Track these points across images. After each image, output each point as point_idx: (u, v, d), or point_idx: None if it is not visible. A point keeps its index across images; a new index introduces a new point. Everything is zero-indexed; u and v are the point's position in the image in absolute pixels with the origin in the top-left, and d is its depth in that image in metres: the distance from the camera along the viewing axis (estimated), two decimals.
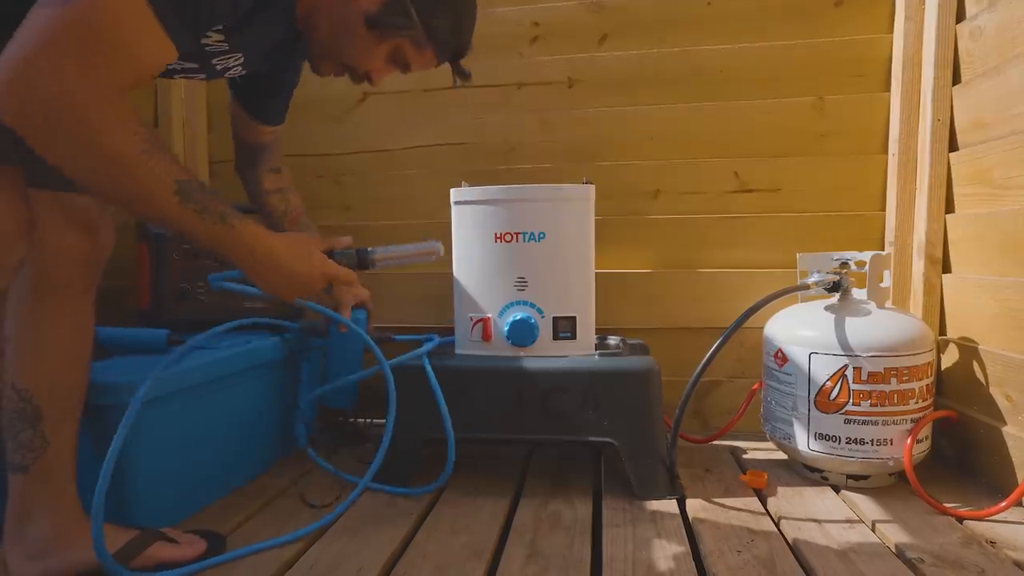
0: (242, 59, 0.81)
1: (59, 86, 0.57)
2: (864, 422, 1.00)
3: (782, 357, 1.08)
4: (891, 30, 1.29)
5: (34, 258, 0.73)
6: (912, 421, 1.01)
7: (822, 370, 1.02)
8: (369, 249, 0.93)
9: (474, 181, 1.15)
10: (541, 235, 1.09)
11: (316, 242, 0.86)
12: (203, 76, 0.83)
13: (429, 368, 1.06)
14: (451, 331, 1.17)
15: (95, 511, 0.71)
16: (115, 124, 0.61)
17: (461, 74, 0.93)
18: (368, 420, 1.36)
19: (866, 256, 1.07)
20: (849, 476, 1.04)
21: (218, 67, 0.81)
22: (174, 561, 0.79)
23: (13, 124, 0.57)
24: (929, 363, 1.02)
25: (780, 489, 1.05)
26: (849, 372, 1.00)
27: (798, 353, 1.05)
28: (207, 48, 0.74)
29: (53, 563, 0.73)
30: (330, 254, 0.87)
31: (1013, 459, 0.98)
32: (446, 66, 0.86)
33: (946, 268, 1.19)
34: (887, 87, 1.30)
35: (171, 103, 1.50)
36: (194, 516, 0.96)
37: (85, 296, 0.77)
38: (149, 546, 0.78)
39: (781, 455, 1.17)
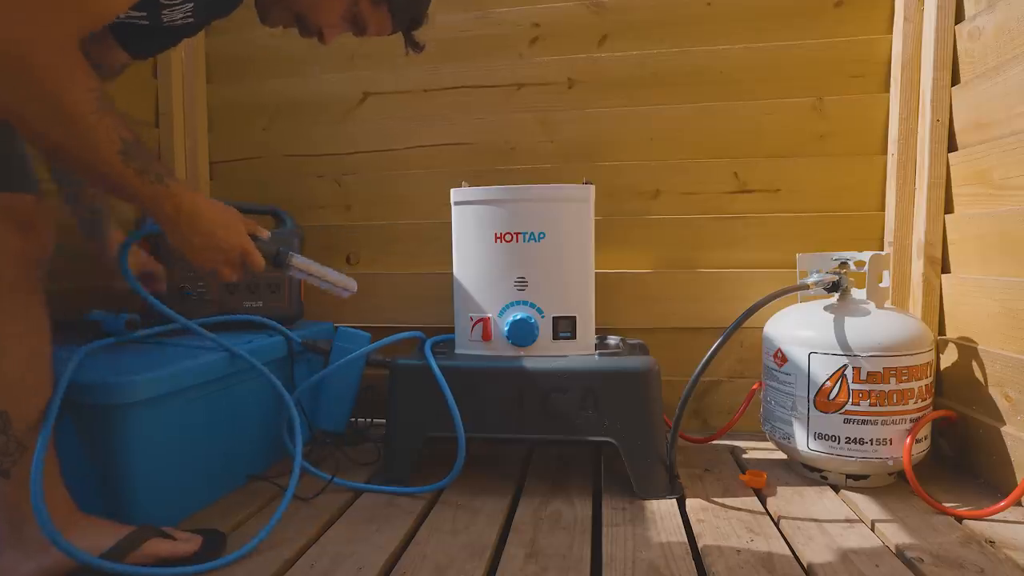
0: (192, 8, 0.78)
1: (9, 34, 0.55)
2: (863, 422, 1.00)
3: (781, 357, 1.08)
4: (890, 31, 1.29)
5: None
6: (911, 421, 1.01)
7: (821, 370, 1.02)
8: (290, 252, 0.91)
9: (474, 181, 1.15)
10: (541, 235, 1.09)
11: (241, 218, 0.85)
12: (145, 23, 0.80)
13: (436, 368, 1.06)
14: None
15: (36, 509, 0.71)
16: (70, 79, 0.59)
17: (414, 45, 0.90)
18: (369, 421, 1.36)
19: (865, 256, 1.07)
20: (848, 476, 1.05)
21: (164, 18, 0.78)
22: (170, 557, 0.79)
23: None
24: (928, 363, 1.03)
25: (779, 489, 1.05)
26: (848, 372, 1.00)
27: (797, 353, 1.05)
28: None
29: (47, 560, 0.73)
30: (252, 237, 0.86)
31: (1012, 459, 0.98)
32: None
33: (945, 268, 1.19)
34: (886, 88, 1.30)
35: (172, 103, 1.50)
36: (194, 515, 0.96)
37: (32, 295, 0.74)
38: (144, 542, 0.78)
39: (781, 455, 1.17)
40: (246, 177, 1.56)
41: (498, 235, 1.10)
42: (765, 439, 1.18)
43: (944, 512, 0.94)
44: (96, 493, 0.85)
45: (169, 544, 0.80)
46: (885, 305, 1.08)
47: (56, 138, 0.62)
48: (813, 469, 1.08)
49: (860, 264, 1.09)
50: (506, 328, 1.09)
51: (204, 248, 0.78)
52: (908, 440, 0.99)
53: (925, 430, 1.03)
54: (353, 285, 0.95)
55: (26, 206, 0.73)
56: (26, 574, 0.72)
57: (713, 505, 0.99)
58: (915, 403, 1.01)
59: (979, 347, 1.07)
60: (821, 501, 1.00)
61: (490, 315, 1.11)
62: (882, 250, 1.29)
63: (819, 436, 1.03)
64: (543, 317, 1.10)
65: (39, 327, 0.75)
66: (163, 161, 0.72)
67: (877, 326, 1.02)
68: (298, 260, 0.91)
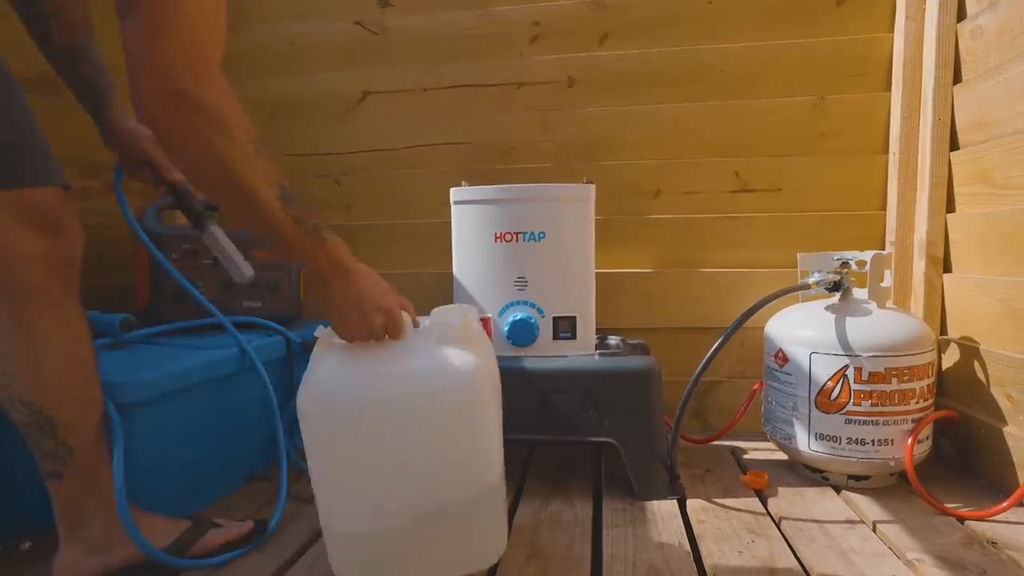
0: None
1: (178, 84, 0.57)
2: (865, 422, 1.00)
3: (783, 357, 1.08)
4: (892, 29, 1.29)
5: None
6: (913, 421, 1.01)
7: (823, 370, 1.02)
8: (212, 221, 0.91)
9: (474, 181, 1.15)
10: (541, 235, 1.08)
11: (391, 288, 0.77)
12: None
13: None
14: None
15: (120, 509, 0.74)
16: (233, 120, 0.60)
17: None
18: None
19: (867, 256, 1.07)
20: (850, 476, 1.04)
21: None
22: (231, 541, 0.84)
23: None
24: (930, 363, 1.02)
25: (781, 489, 1.05)
26: (850, 372, 1.00)
27: (799, 353, 1.05)
28: None
29: (113, 556, 0.75)
30: (174, 196, 0.89)
31: (1014, 459, 0.97)
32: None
33: (947, 268, 1.19)
34: (888, 87, 1.30)
35: None
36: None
37: (67, 297, 0.73)
38: (204, 535, 0.82)
39: (782, 455, 1.17)
40: None
41: (498, 235, 1.09)
42: (766, 439, 1.18)
43: (946, 513, 0.93)
44: None
45: (225, 532, 0.84)
46: (887, 305, 1.08)
47: (220, 184, 0.62)
48: (814, 470, 1.08)
49: (861, 264, 1.08)
50: (506, 328, 1.09)
51: (349, 307, 0.72)
52: (910, 440, 0.99)
53: (927, 430, 1.03)
54: (250, 273, 0.93)
55: (47, 205, 0.71)
56: (93, 569, 0.74)
57: (714, 506, 0.99)
58: (917, 403, 1.01)
59: (981, 347, 1.07)
60: (822, 502, 0.99)
61: (490, 315, 1.11)
62: (883, 250, 1.28)
63: (820, 437, 1.03)
64: (543, 317, 1.10)
65: (75, 330, 0.74)
66: (317, 212, 0.71)
67: (879, 326, 1.01)
68: (216, 232, 0.91)
